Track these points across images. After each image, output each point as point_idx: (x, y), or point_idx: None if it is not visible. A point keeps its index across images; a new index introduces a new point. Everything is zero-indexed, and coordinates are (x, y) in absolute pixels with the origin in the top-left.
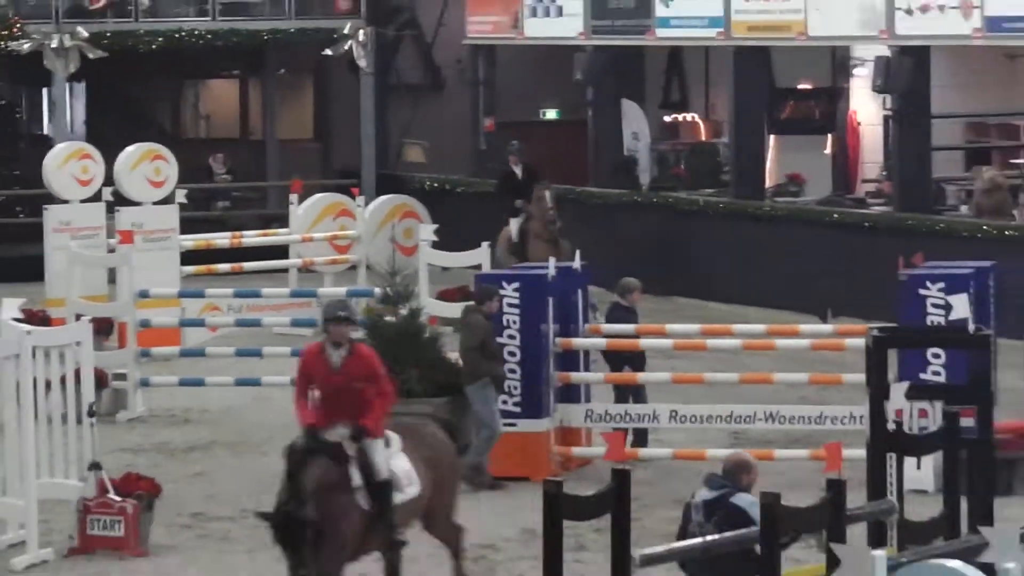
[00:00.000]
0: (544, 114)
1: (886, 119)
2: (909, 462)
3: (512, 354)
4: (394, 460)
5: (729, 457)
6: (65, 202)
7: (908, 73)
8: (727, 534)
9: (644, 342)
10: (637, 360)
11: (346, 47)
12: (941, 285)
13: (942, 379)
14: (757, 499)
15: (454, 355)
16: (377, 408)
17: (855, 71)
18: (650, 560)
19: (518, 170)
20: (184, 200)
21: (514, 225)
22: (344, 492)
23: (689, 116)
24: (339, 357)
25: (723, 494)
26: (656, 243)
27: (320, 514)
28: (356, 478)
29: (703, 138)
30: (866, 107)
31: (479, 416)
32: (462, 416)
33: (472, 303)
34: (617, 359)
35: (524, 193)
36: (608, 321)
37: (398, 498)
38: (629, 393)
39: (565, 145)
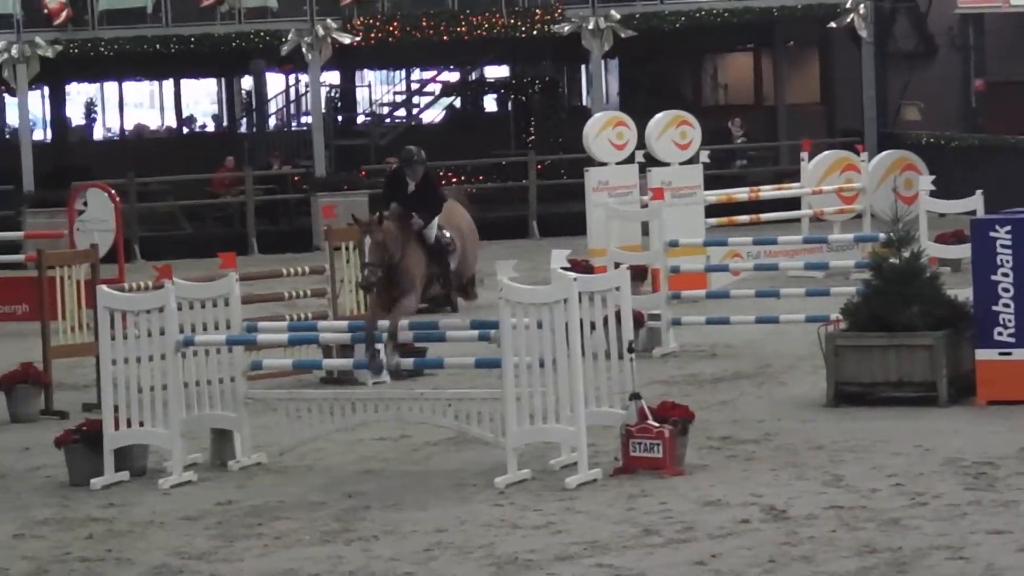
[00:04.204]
0: None
1: None
2: None
3: (1006, 290)
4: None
5: None
6: (603, 164)
7: None
8: None
9: None
10: None
11: (848, 20)
12: None
13: None
14: None
15: (953, 292)
16: None
17: None
18: None
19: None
20: (707, 160)
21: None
22: None
23: None
24: None
25: None
26: None
27: None
28: None
29: None
30: None
31: None
32: (958, 349)
33: None
34: None
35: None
36: None
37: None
38: None
39: None
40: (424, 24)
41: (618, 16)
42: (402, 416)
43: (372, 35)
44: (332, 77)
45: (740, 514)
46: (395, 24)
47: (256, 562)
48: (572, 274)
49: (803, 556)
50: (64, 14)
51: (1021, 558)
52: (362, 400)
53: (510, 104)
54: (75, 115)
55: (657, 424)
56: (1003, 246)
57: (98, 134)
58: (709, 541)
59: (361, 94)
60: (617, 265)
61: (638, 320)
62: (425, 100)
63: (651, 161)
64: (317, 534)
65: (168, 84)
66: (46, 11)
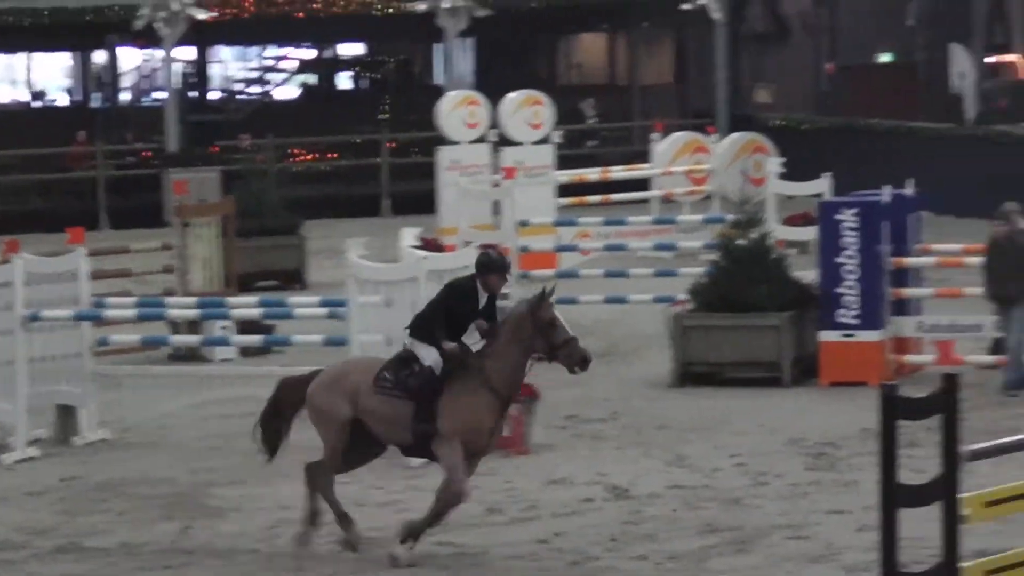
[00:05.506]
0: (879, 57)
1: None
2: None
3: (850, 272)
4: None
5: None
6: (455, 143)
7: None
8: None
9: (969, 260)
10: None
11: (702, 1)
12: None
13: None
14: None
15: (799, 274)
16: None
17: None
18: (977, 455)
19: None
20: (559, 140)
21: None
22: None
23: (1011, 57)
24: None
25: None
26: (980, 171)
27: None
28: None
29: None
30: None
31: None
32: (802, 330)
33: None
34: None
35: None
36: None
37: None
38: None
39: (897, 85)
40: (279, 1)
41: None
42: (249, 393)
43: (227, 11)
44: (187, 53)
45: (584, 493)
46: (250, 0)
47: (100, 538)
48: (422, 252)
49: (646, 535)
50: None
51: (860, 537)
52: (209, 377)
53: (365, 82)
54: None
55: None
56: (849, 229)
57: None
58: (553, 519)
59: (215, 70)
60: (468, 243)
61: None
62: (280, 77)
63: (503, 140)
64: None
65: (21, 58)
66: None
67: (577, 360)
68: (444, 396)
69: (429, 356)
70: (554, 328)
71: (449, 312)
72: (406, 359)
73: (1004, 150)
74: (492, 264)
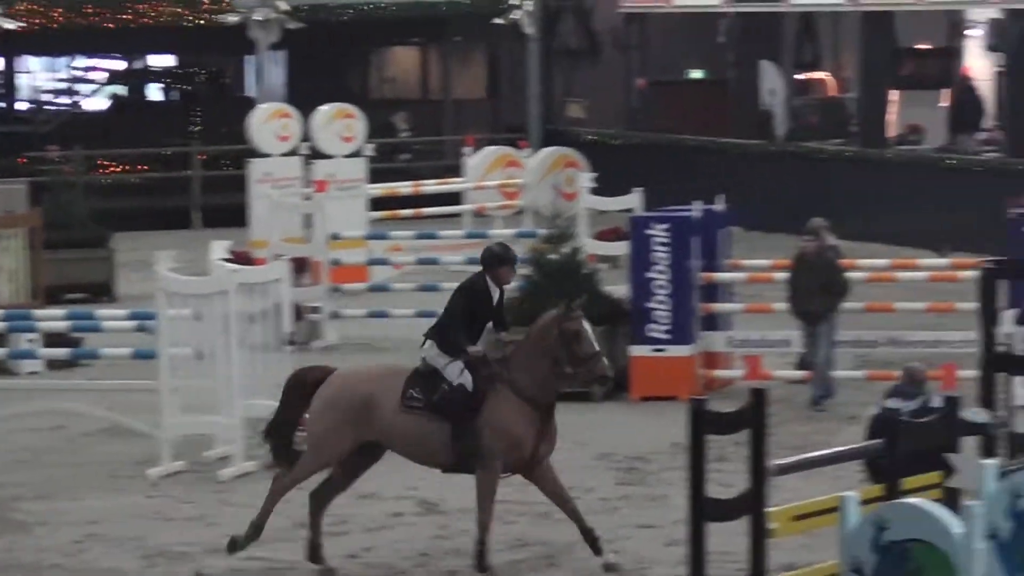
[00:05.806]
0: (689, 74)
1: (998, 75)
2: (1018, 380)
3: (661, 287)
4: None
5: (915, 369)
6: (266, 156)
7: (1019, 34)
8: (863, 443)
9: (779, 275)
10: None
11: (514, 16)
12: None
13: None
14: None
15: (610, 289)
16: None
17: (968, 32)
18: (783, 469)
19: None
20: (371, 153)
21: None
22: None
23: (820, 74)
24: None
25: (927, 400)
26: (790, 188)
27: None
28: None
29: (832, 94)
30: (977, 65)
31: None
32: (613, 345)
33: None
34: None
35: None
36: None
37: None
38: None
39: (708, 102)
40: (89, 11)
41: (286, 7)
42: (56, 407)
43: (35, 21)
44: None
45: (394, 507)
46: (59, 11)
47: None
48: (232, 266)
49: (455, 549)
50: None
51: (669, 552)
52: (15, 390)
53: (175, 94)
54: None
55: None
56: (660, 244)
57: None
58: (363, 534)
59: (23, 81)
60: (278, 257)
61: (298, 313)
62: (89, 88)
63: (315, 153)
64: None
65: None
66: None
67: (594, 377)
68: (483, 415)
69: (456, 373)
70: (579, 341)
71: (470, 315)
72: (428, 375)
73: (814, 166)
74: (498, 257)
